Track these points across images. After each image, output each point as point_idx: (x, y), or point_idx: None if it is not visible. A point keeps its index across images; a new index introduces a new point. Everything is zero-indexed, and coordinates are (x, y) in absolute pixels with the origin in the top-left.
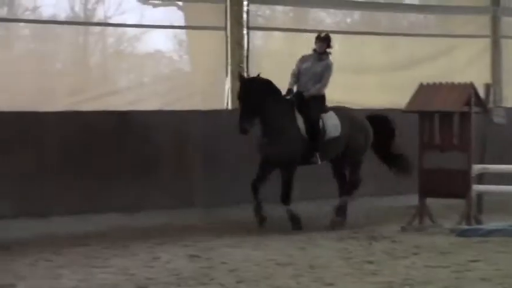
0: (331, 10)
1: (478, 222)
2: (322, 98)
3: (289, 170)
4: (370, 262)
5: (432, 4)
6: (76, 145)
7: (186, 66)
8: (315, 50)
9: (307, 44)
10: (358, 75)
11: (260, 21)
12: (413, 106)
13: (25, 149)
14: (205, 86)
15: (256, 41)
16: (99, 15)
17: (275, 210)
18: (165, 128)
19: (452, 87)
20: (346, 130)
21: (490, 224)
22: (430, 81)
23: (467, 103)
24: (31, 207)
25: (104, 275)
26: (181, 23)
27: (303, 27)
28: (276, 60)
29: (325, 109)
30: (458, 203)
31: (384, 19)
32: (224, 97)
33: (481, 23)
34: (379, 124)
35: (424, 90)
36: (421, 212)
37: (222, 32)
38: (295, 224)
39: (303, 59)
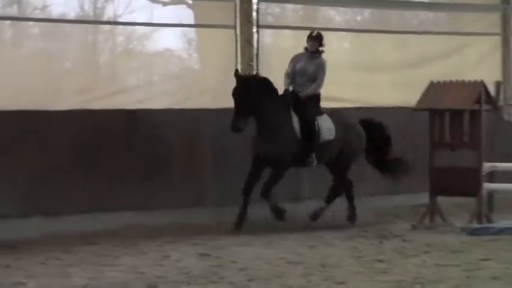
0: (341, 8)
1: (489, 220)
2: (318, 98)
3: (279, 169)
4: (381, 261)
5: (442, 2)
6: (85, 144)
7: (196, 64)
8: (306, 49)
9: None
10: (369, 73)
11: (270, 20)
12: (423, 104)
13: (34, 147)
14: (214, 84)
15: (266, 39)
16: (108, 14)
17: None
18: (175, 126)
19: (462, 85)
20: (340, 134)
21: (501, 223)
22: (441, 79)
23: (478, 101)
24: (40, 206)
25: (113, 274)
26: (191, 21)
27: (312, 25)
28: (285, 58)
29: (320, 111)
30: (469, 201)
31: (394, 17)
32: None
33: (492, 21)
34: (374, 131)
35: (435, 88)
36: (432, 210)
37: (232, 31)
38: (279, 215)
39: (296, 59)
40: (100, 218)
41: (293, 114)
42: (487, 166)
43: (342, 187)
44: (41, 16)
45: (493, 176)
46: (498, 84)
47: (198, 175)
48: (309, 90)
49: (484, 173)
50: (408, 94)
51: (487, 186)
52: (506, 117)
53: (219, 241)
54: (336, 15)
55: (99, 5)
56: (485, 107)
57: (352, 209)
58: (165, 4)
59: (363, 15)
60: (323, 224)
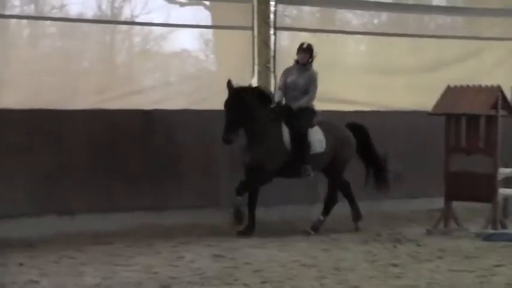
0: (358, 11)
1: (504, 226)
2: (310, 111)
3: (262, 177)
4: (395, 265)
5: (460, 6)
6: (101, 144)
7: (212, 65)
8: (297, 62)
9: (333, 45)
10: (385, 77)
11: (287, 22)
12: (440, 108)
13: (50, 146)
14: None
15: (283, 41)
16: (125, 14)
17: (296, 212)
18: (191, 127)
19: (479, 90)
20: (331, 145)
21: None
22: (457, 83)
23: (494, 106)
24: (55, 205)
25: (127, 273)
26: (208, 22)
27: (329, 28)
28: None
29: (312, 124)
30: (484, 207)
31: (411, 21)
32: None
33: (509, 25)
34: (361, 136)
35: (451, 93)
36: (447, 215)
37: (249, 32)
38: (237, 217)
39: (287, 72)
40: (114, 218)
41: (284, 126)
42: (504, 172)
43: (339, 189)
44: (58, 15)
45: (508, 182)
46: None
47: (213, 176)
48: (301, 102)
49: (499, 179)
50: (424, 98)
51: (503, 192)
52: None
53: (233, 242)
54: (353, 18)
55: (116, 4)
56: (501, 112)
57: (355, 209)
58: (182, 5)
59: (380, 19)
60: (337, 227)
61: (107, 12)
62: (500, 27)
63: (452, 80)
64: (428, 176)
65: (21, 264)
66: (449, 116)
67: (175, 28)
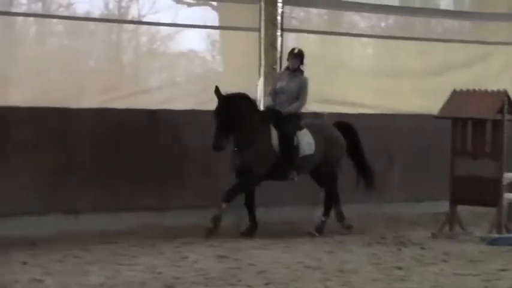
0: (366, 14)
1: (509, 231)
2: (298, 115)
3: (251, 180)
4: (399, 268)
5: (467, 10)
6: (107, 142)
7: (219, 66)
8: (288, 68)
9: (340, 47)
10: (392, 80)
11: (294, 23)
12: (446, 112)
13: (55, 145)
14: (237, 86)
15: (290, 42)
16: (133, 13)
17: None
18: (196, 127)
19: (485, 94)
20: (321, 147)
21: None
22: (464, 87)
23: (500, 111)
24: (60, 204)
25: (131, 273)
26: (215, 23)
27: (337, 30)
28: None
29: (300, 127)
30: (489, 211)
31: (418, 24)
32: (256, 98)
33: None
34: (351, 136)
35: (458, 97)
36: (452, 219)
37: (256, 33)
38: (215, 224)
39: (278, 78)
40: (119, 217)
41: (273, 129)
42: (509, 176)
43: (326, 197)
44: (65, 14)
45: None
46: None
47: (218, 176)
48: (291, 108)
49: (504, 183)
50: (430, 101)
51: (508, 196)
52: None
53: (237, 243)
54: (360, 21)
55: (123, 4)
56: (507, 117)
57: (337, 210)
58: (189, 5)
59: (387, 22)
60: (341, 230)
61: (114, 11)
62: (507, 32)
63: (458, 84)
64: (433, 179)
65: (24, 263)
66: (455, 120)
67: (182, 28)
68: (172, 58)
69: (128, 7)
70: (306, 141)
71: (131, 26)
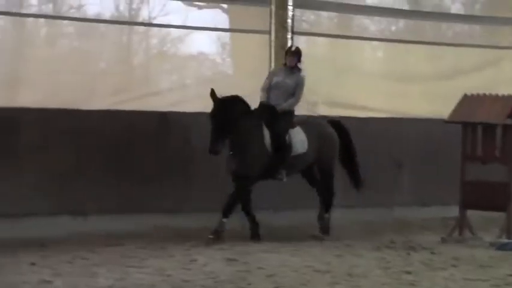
0: (376, 17)
1: None
2: (291, 113)
3: (243, 184)
4: (408, 272)
5: (478, 15)
6: (116, 144)
7: (229, 69)
8: (285, 64)
9: (350, 51)
10: (402, 84)
11: (304, 26)
12: (456, 116)
13: (65, 146)
14: (247, 89)
15: (300, 45)
16: (143, 16)
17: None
18: (206, 130)
19: (496, 99)
20: (314, 145)
21: None
22: (474, 92)
23: (511, 115)
24: (69, 205)
25: (140, 275)
26: (226, 25)
27: (347, 33)
28: (318, 65)
29: (293, 124)
30: (499, 216)
31: (428, 28)
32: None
33: None
34: (343, 135)
35: (468, 101)
36: (462, 223)
37: (266, 36)
38: (216, 236)
39: (273, 73)
40: (128, 220)
41: (265, 129)
42: None
43: (315, 187)
44: (76, 15)
45: None
46: None
47: (227, 179)
48: (286, 105)
49: None
50: (440, 105)
51: None
52: None
53: (246, 246)
54: (370, 24)
55: (134, 6)
56: None
57: (326, 225)
58: (200, 8)
59: (397, 25)
60: (350, 234)
61: (125, 14)
62: None
63: (469, 89)
64: (442, 183)
65: (33, 264)
66: (465, 125)
67: (192, 31)
68: (183, 60)
69: (139, 9)
70: (298, 139)
71: (142, 28)
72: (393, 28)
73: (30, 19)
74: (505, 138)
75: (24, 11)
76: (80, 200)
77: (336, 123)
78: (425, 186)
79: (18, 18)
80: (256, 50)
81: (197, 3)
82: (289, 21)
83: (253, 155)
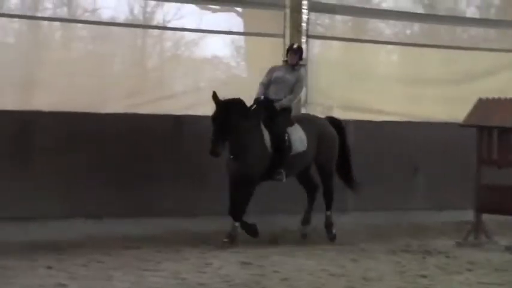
0: (391, 21)
1: None
2: (289, 110)
3: (249, 186)
4: (424, 276)
5: (493, 18)
6: (131, 147)
7: (243, 72)
8: (286, 62)
9: (365, 54)
10: (417, 87)
11: (319, 30)
12: (471, 120)
13: (80, 149)
14: None
15: (315, 49)
16: (158, 19)
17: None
18: None
19: (511, 102)
20: (313, 143)
21: None
22: (489, 95)
23: None
24: (84, 209)
25: (155, 279)
26: (240, 29)
27: (361, 37)
28: (333, 69)
29: (291, 122)
30: None
31: (443, 32)
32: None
33: None
34: (341, 133)
35: (483, 105)
36: (477, 227)
37: (281, 40)
38: (230, 240)
39: (274, 69)
40: (143, 223)
41: (264, 129)
42: None
43: (307, 189)
44: (90, 19)
45: None
46: None
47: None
48: (284, 101)
49: None
50: (456, 109)
51: None
52: None
53: (261, 250)
54: (385, 28)
55: (148, 9)
56: None
57: (308, 213)
58: (214, 11)
59: (412, 29)
60: (366, 238)
61: (139, 17)
62: None
63: (484, 92)
64: (457, 187)
65: (49, 267)
66: (481, 129)
67: (206, 34)
68: (197, 64)
69: (153, 12)
70: (298, 137)
71: (156, 32)
72: (408, 32)
73: (45, 22)
74: None
75: (39, 14)
76: (95, 203)
77: (334, 121)
78: (441, 190)
79: (33, 21)
80: (270, 53)
81: (212, 6)
82: (304, 24)
83: (254, 155)
